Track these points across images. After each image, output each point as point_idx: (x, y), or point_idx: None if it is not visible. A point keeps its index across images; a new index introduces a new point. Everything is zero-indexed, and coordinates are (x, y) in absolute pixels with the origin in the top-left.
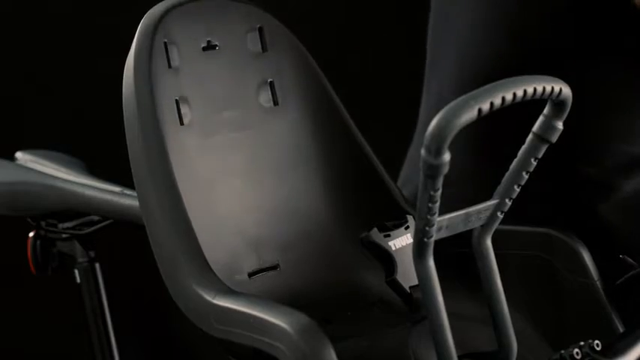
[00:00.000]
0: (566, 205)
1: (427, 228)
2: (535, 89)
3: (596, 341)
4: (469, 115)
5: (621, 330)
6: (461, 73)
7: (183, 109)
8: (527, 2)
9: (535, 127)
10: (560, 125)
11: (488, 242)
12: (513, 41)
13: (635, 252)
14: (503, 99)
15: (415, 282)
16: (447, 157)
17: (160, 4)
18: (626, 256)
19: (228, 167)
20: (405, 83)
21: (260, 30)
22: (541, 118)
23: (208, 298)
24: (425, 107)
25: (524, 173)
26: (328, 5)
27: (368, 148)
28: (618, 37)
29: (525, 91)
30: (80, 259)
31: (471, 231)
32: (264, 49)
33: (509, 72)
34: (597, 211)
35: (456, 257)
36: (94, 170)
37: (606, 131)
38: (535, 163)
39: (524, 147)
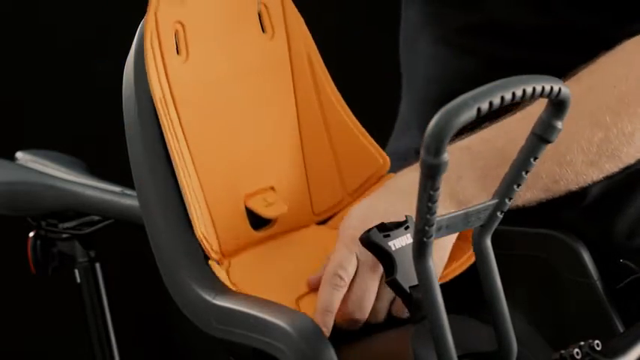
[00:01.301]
0: (532, 214)
1: (427, 228)
2: (534, 89)
3: (596, 341)
4: (468, 114)
5: (621, 330)
6: (427, 89)
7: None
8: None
9: (534, 127)
10: (559, 125)
11: (488, 242)
12: (476, 58)
13: (601, 257)
14: (503, 98)
15: (415, 282)
16: (446, 156)
17: None
18: (626, 261)
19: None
20: (389, 83)
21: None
22: (540, 118)
23: (208, 298)
24: (403, 107)
25: (523, 173)
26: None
27: None
28: (578, 55)
29: (524, 91)
30: (80, 259)
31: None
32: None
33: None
34: (564, 217)
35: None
36: (94, 170)
37: None
38: (535, 163)
39: (523, 147)
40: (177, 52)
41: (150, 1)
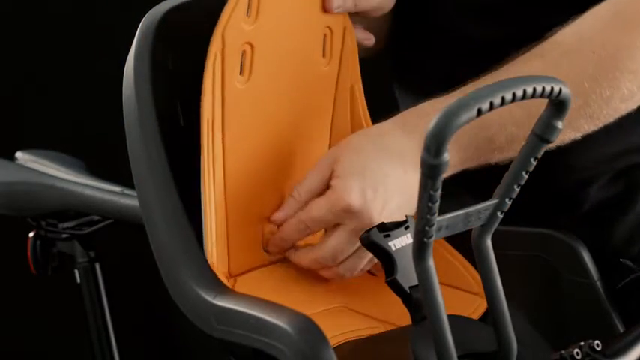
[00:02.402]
0: (530, 222)
1: (427, 228)
2: (535, 89)
3: (596, 341)
4: (469, 114)
5: (621, 330)
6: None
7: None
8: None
9: (535, 127)
10: (560, 125)
11: (488, 242)
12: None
13: (600, 257)
14: (503, 99)
15: (415, 282)
16: (446, 157)
17: (161, 4)
18: (626, 260)
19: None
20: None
21: None
22: (541, 118)
23: (209, 298)
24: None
25: (523, 173)
26: None
27: None
28: None
29: (525, 91)
30: (80, 259)
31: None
32: None
33: None
34: (562, 225)
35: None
36: (94, 170)
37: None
38: (535, 163)
39: (523, 146)
40: (241, 72)
41: (220, 19)
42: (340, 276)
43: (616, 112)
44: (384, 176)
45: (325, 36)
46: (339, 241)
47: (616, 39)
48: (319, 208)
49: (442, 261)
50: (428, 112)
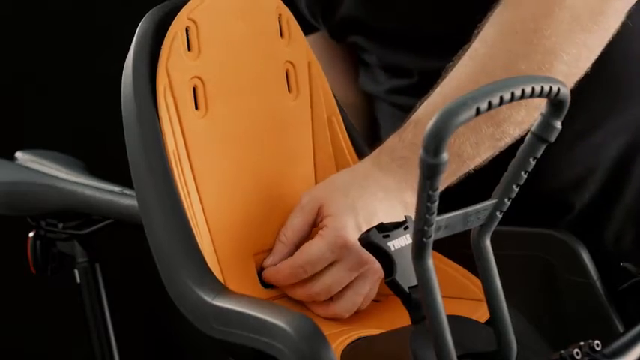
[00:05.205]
0: (526, 223)
1: (426, 228)
2: (533, 89)
3: (596, 341)
4: (467, 114)
5: (621, 330)
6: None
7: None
8: None
9: (533, 127)
10: (558, 125)
11: (488, 242)
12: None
13: (601, 257)
14: (502, 98)
15: (414, 282)
16: (445, 156)
17: (161, 5)
18: (627, 264)
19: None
20: None
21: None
22: (539, 118)
23: (208, 299)
24: None
25: (522, 173)
26: None
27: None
28: None
29: (523, 91)
30: (80, 259)
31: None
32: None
33: None
34: (555, 225)
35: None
36: (94, 170)
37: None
38: (534, 163)
39: (522, 147)
40: (197, 107)
41: (160, 54)
42: (339, 316)
43: (575, 76)
44: (375, 210)
45: (288, 70)
46: (334, 278)
47: (532, 12)
48: (317, 249)
49: (444, 275)
50: (393, 150)
